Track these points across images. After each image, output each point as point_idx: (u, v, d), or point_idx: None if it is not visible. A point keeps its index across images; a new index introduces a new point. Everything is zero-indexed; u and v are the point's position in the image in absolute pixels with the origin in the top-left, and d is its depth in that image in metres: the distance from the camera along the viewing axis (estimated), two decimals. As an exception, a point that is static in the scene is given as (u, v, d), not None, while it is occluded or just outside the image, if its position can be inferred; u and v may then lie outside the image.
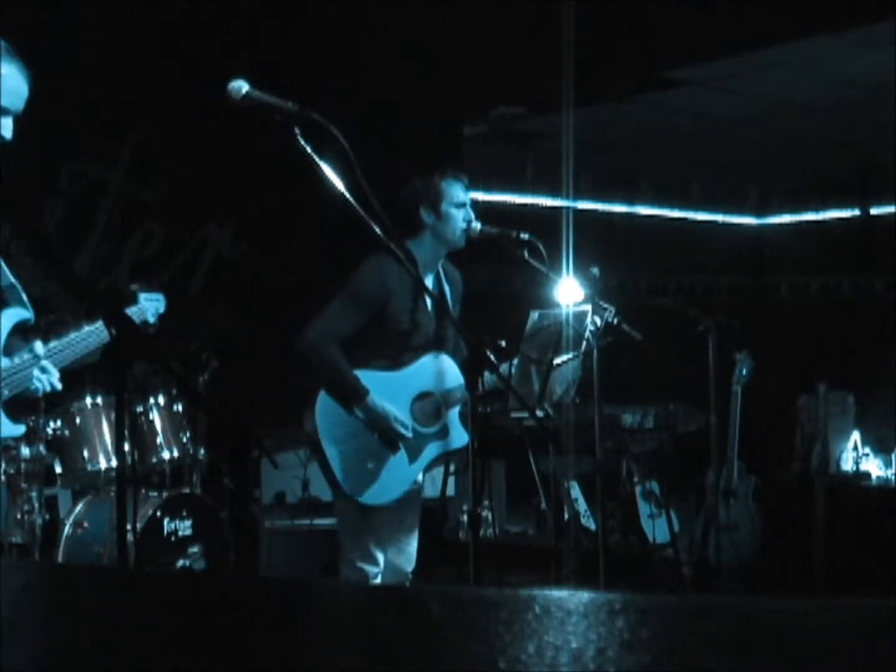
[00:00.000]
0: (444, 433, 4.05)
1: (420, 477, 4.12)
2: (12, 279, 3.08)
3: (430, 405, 4.02)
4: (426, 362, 4.02)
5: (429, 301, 3.97)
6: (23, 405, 3.12)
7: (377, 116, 6.52)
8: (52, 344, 3.08)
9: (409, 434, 3.93)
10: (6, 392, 2.94)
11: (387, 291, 3.90)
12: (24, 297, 3.07)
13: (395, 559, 4.11)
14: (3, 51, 2.92)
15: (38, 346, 3.03)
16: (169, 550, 5.00)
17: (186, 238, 6.48)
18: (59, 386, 3.07)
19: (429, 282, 4.06)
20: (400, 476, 3.97)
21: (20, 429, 3.10)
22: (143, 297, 3.90)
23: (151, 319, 3.92)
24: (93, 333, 3.23)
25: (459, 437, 4.05)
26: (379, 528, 4.01)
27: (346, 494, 3.90)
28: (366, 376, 3.90)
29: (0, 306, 3.09)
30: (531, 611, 1.19)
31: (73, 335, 3.19)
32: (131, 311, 3.76)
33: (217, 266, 6.57)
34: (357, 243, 3.39)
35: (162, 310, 3.96)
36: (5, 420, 2.99)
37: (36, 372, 3.00)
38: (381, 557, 4.03)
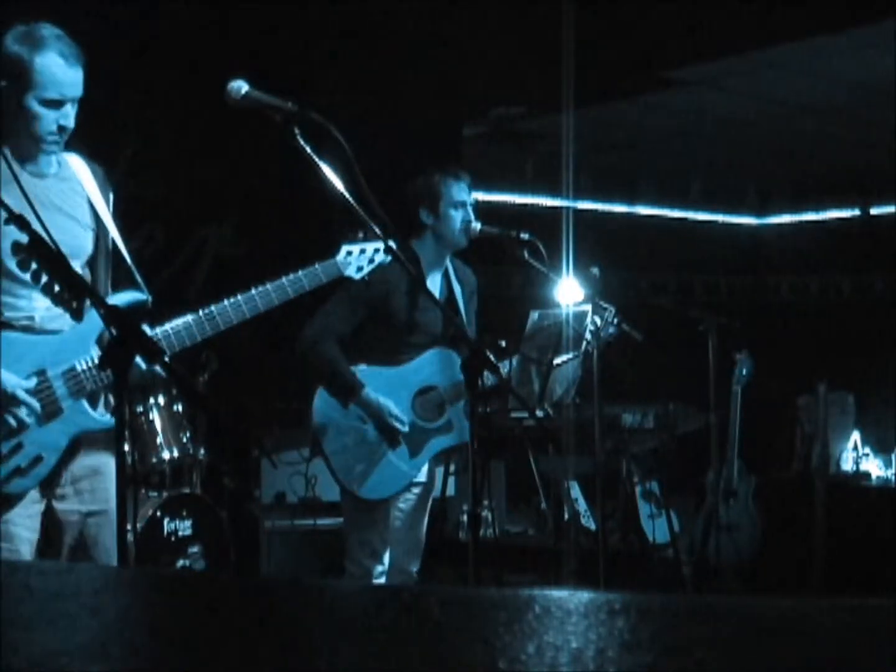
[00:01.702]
0: (448, 427, 4.05)
1: (424, 475, 4.11)
2: (129, 261, 3.08)
3: (433, 400, 4.03)
4: (429, 357, 4.03)
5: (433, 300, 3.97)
6: None
7: (377, 116, 6.52)
8: (159, 329, 2.99)
9: (405, 428, 3.94)
10: (99, 382, 2.92)
11: (385, 288, 3.90)
12: (140, 279, 3.03)
13: (402, 559, 4.11)
14: (52, 39, 2.93)
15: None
16: (169, 550, 5.00)
17: (186, 238, 6.48)
18: (161, 374, 2.93)
19: (436, 280, 4.08)
20: (400, 470, 3.98)
21: (111, 420, 3.02)
22: (345, 248, 3.23)
23: (356, 275, 3.25)
24: (192, 324, 3.07)
25: (466, 430, 4.05)
26: (385, 526, 4.02)
27: (347, 489, 3.93)
28: (366, 371, 3.93)
29: (114, 288, 3.09)
30: (531, 611, 1.19)
31: (182, 321, 3.04)
32: (324, 266, 3.20)
33: (217, 266, 6.57)
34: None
35: (386, 259, 3.21)
36: (93, 412, 2.96)
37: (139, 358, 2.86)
38: (386, 556, 4.03)
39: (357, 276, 3.23)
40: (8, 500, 2.89)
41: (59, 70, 2.92)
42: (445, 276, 4.13)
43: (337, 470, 3.93)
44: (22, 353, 2.88)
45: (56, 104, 2.95)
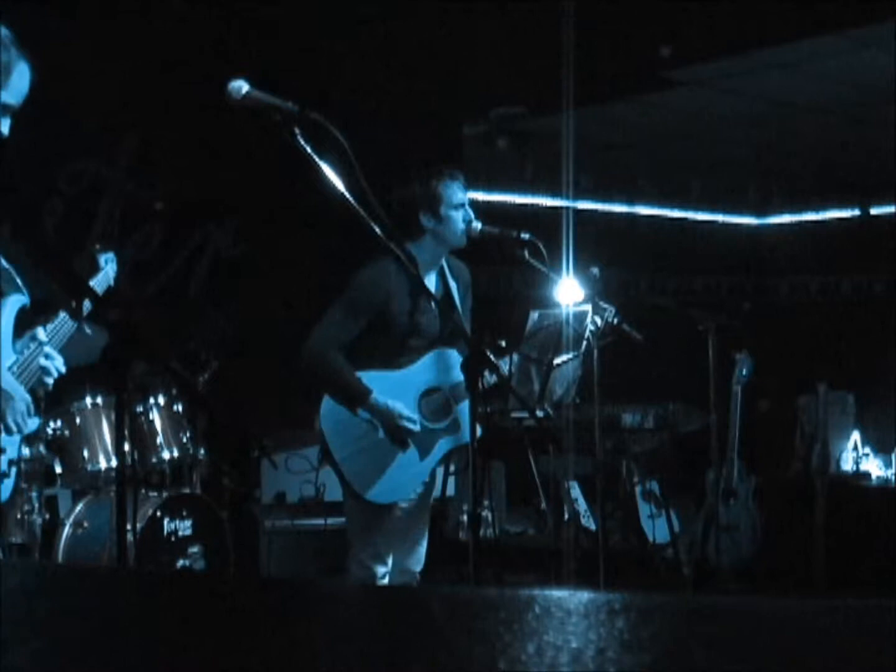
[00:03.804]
0: (455, 427, 4.04)
1: (429, 476, 4.11)
2: (4, 263, 3.04)
3: (438, 400, 4.02)
4: (430, 358, 4.02)
5: (433, 301, 3.97)
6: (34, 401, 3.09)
7: (377, 116, 6.52)
8: (49, 327, 3.03)
9: (417, 427, 3.92)
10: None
11: (385, 294, 3.89)
12: (18, 280, 3.02)
13: (404, 560, 4.09)
14: (14, 44, 2.82)
15: (41, 332, 2.99)
16: (169, 550, 5.00)
17: (186, 238, 6.48)
18: (63, 370, 3.00)
19: (431, 280, 4.06)
20: (411, 473, 3.97)
21: (36, 422, 3.07)
22: (102, 258, 3.58)
23: (113, 284, 3.61)
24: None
25: None
26: (390, 529, 4.00)
27: (356, 494, 3.90)
28: (369, 377, 3.90)
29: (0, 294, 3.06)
30: (531, 611, 1.19)
31: (62, 315, 3.08)
32: (97, 280, 3.52)
33: (217, 266, 6.57)
34: (357, 243, 3.39)
35: (114, 272, 3.62)
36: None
37: (42, 360, 2.97)
38: (389, 558, 4.02)
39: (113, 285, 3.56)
40: None
41: (25, 79, 2.83)
42: (441, 273, 4.11)
43: (348, 476, 3.88)
44: None
45: (9, 111, 2.82)
